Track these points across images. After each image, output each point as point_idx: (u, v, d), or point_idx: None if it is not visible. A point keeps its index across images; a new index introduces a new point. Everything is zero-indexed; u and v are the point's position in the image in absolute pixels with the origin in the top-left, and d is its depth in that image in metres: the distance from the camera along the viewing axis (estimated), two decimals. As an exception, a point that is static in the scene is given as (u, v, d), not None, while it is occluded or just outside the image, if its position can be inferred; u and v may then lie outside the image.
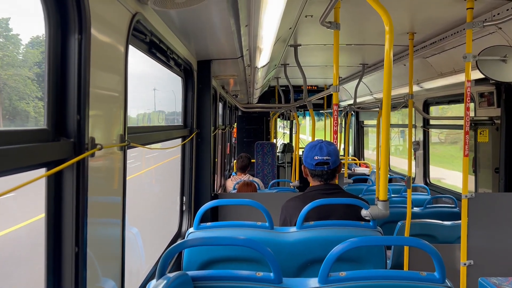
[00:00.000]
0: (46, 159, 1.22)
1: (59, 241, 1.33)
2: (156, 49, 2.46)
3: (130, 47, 1.79)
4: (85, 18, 1.32)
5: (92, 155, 1.39)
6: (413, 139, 6.37)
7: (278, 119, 11.78)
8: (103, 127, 1.52)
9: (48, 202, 1.31)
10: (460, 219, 3.19)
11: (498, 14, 3.04)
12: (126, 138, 1.71)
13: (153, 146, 2.44)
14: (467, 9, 2.99)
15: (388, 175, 2.83)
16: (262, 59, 3.74)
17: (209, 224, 2.35)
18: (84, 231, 1.36)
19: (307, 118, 13.64)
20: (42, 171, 1.21)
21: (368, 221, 2.33)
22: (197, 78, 3.71)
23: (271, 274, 1.59)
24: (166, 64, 2.87)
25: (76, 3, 1.29)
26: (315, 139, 3.27)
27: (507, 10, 2.94)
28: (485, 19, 3.09)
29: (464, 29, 3.31)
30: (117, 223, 1.72)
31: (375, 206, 2.29)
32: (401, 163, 9.30)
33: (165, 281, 1.43)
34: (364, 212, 2.31)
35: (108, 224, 1.66)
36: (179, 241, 1.67)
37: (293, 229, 2.33)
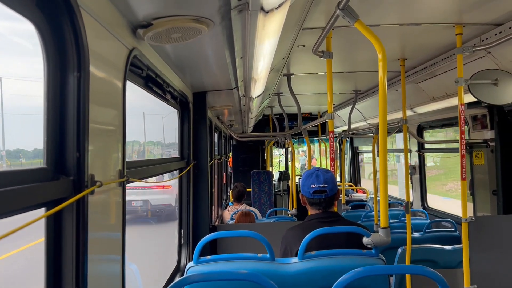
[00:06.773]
0: (46, 199, 1.20)
1: (59, 281, 1.30)
2: (152, 83, 2.48)
3: (127, 82, 1.80)
4: (83, 55, 1.32)
5: (92, 192, 1.37)
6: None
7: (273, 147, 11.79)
8: (102, 163, 1.51)
9: (48, 241, 1.28)
10: (460, 243, 3.17)
11: (487, 39, 3.10)
12: (125, 173, 1.69)
13: (151, 180, 2.42)
14: (456, 35, 3.05)
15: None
16: (257, 89, 3.77)
17: (209, 257, 2.31)
18: (85, 269, 1.33)
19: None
20: (41, 211, 1.19)
21: (370, 248, 2.30)
22: (193, 109, 3.73)
23: None
24: (162, 97, 2.88)
25: (75, 41, 1.29)
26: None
27: (495, 35, 3.01)
28: (474, 44, 3.15)
29: (454, 54, 3.38)
30: (117, 260, 1.69)
31: (376, 233, 2.27)
32: (394, 190, 9.23)
33: None
34: (366, 240, 2.28)
35: (108, 261, 1.63)
36: (178, 277, 1.64)
37: (294, 259, 2.29)
